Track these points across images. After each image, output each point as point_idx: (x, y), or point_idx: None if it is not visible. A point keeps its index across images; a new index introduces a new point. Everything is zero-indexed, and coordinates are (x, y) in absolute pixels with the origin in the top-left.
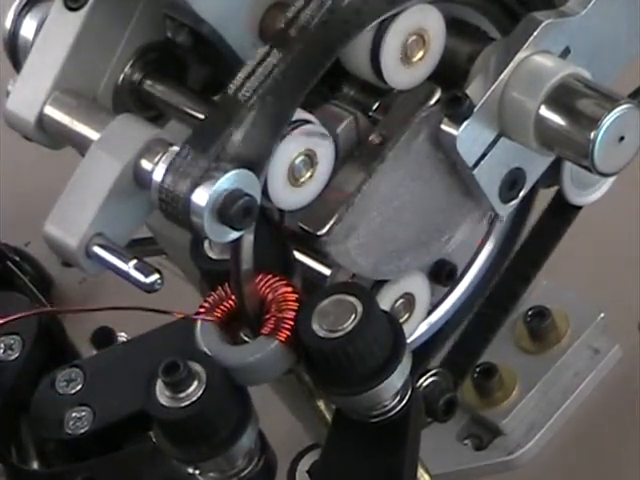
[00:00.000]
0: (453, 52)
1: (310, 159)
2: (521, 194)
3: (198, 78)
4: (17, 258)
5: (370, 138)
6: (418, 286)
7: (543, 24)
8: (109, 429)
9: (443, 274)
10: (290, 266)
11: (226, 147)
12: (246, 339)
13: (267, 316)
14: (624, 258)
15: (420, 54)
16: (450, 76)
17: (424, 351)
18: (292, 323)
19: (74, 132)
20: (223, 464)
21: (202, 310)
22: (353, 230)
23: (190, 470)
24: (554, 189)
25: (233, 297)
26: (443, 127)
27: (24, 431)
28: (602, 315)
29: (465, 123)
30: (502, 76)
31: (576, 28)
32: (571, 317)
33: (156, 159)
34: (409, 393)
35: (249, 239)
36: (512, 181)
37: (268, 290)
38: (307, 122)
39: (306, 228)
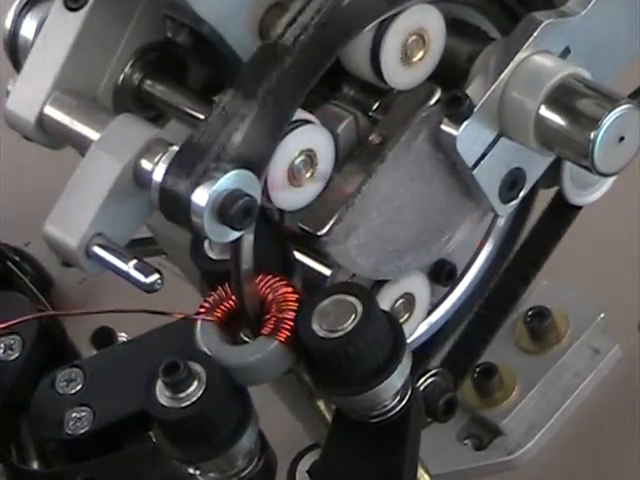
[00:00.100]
0: (453, 52)
1: (310, 159)
2: (521, 194)
3: (198, 78)
4: (17, 258)
5: (370, 138)
6: (418, 286)
7: (543, 24)
8: (109, 429)
9: (443, 274)
10: (290, 266)
11: (226, 147)
12: (246, 339)
13: (267, 316)
14: (624, 258)
15: (420, 54)
16: (450, 76)
17: (424, 351)
18: (292, 323)
19: (74, 132)
20: (223, 464)
21: (202, 310)
22: (353, 230)
23: (190, 470)
24: (554, 189)
25: (233, 297)
26: (443, 127)
27: (24, 431)
28: (602, 315)
29: (465, 123)
30: (502, 76)
31: (576, 28)
32: (571, 317)
33: (156, 159)
34: (409, 393)
35: (249, 239)
36: (512, 181)
37: (268, 290)
38: (307, 122)
39: (306, 228)
